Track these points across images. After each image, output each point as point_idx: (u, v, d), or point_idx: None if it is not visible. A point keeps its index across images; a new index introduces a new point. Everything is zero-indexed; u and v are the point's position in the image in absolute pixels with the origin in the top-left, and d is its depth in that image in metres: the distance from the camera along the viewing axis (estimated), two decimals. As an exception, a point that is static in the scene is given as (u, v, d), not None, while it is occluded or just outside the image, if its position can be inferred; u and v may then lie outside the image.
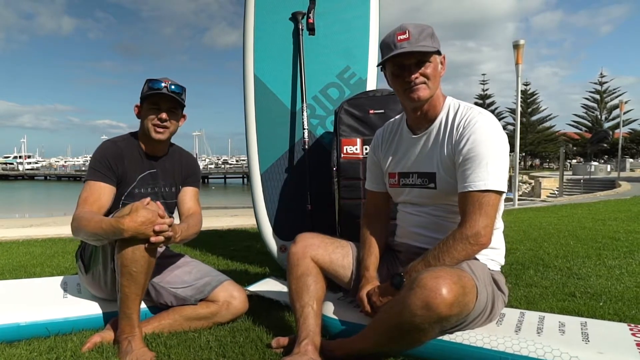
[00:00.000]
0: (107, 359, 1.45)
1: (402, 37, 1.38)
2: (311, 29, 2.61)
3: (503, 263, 1.56)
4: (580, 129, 44.91)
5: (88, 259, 1.71)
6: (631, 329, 1.41)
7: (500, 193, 1.37)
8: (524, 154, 43.92)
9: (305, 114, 2.51)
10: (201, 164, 52.43)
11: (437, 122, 1.49)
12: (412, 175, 1.55)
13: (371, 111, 2.22)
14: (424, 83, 1.41)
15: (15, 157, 65.92)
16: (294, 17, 2.62)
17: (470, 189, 1.35)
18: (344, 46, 2.62)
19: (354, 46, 2.63)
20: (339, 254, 1.63)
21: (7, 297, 1.75)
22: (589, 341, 1.32)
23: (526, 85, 44.20)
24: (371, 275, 1.54)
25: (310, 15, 2.60)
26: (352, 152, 2.19)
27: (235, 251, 3.31)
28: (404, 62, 1.40)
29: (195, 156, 2.08)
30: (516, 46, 10.34)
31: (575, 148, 42.26)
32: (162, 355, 1.47)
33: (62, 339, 1.58)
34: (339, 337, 1.54)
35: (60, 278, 1.91)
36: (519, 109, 10.84)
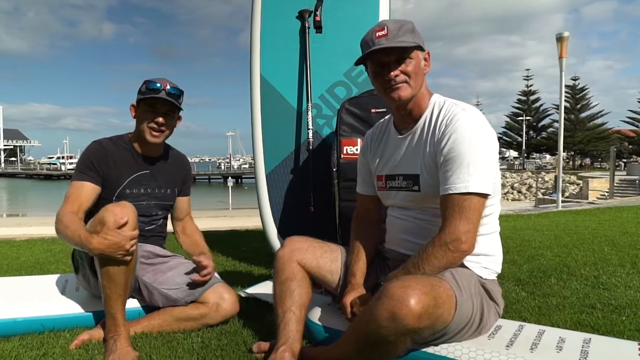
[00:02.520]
0: (92, 356, 1.48)
1: (380, 33, 1.32)
2: (318, 27, 2.56)
3: (499, 271, 1.46)
4: (637, 126, 41.97)
5: (77, 260, 1.75)
6: (641, 349, 1.26)
7: (484, 196, 1.27)
8: (572, 153, 41.70)
9: (310, 114, 2.47)
10: (235, 164, 52.91)
11: (421, 121, 1.41)
12: (397, 177, 1.47)
13: (373, 110, 2.14)
14: (405, 82, 1.34)
15: (58, 158, 68.93)
16: (301, 15, 2.58)
17: (451, 192, 1.26)
18: (352, 44, 2.55)
19: (362, 43, 2.55)
20: (327, 259, 1.58)
21: (8, 293, 1.82)
22: (586, 361, 1.19)
23: (574, 79, 41.77)
24: (357, 282, 1.48)
25: (318, 12, 2.56)
26: (352, 152, 2.12)
27: (245, 252, 3.32)
28: (383, 60, 1.34)
29: (186, 157, 2.06)
30: (560, 39, 9.80)
31: (630, 146, 39.62)
32: (145, 356, 1.48)
33: (55, 335, 1.62)
34: (323, 344, 1.50)
35: (62, 276, 1.97)
36: (563, 105, 10.30)
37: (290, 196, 2.55)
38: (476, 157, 1.27)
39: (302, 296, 1.49)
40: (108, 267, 1.47)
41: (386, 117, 1.62)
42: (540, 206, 12.01)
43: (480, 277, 1.38)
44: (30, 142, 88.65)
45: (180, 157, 2.00)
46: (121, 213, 1.47)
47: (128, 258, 1.47)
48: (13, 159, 77.38)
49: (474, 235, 1.26)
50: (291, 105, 2.59)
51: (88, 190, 1.69)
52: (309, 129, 2.46)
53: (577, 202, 13.56)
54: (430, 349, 1.31)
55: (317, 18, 2.55)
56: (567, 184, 24.00)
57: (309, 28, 2.56)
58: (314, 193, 2.43)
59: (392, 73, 1.34)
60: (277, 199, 2.56)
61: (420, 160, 1.39)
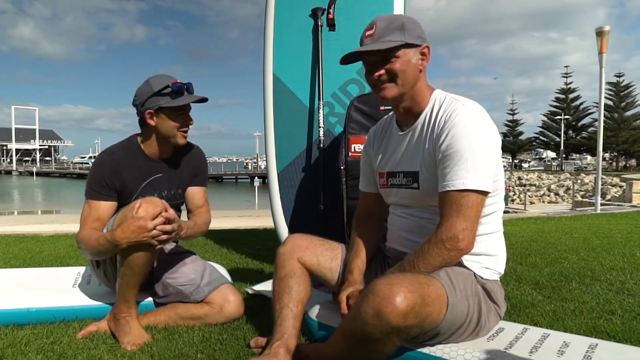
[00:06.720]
0: (97, 346, 1.53)
1: (368, 32, 1.33)
2: (331, 25, 2.55)
3: (502, 271, 1.41)
4: (688, 125, 39.41)
5: None
6: (652, 357, 1.19)
7: (482, 193, 1.23)
8: (616, 153, 39.69)
9: (321, 112, 2.46)
10: (262, 164, 53.32)
11: (421, 118, 1.38)
12: (398, 174, 1.45)
13: (382, 108, 2.12)
14: (391, 81, 1.32)
15: (90, 158, 71.32)
16: (314, 14, 2.59)
17: (448, 189, 1.23)
18: (364, 41, 2.53)
19: (375, 41, 2.53)
20: (327, 257, 1.58)
21: (24, 284, 1.92)
22: (588, 367, 1.13)
23: (619, 76, 39.74)
24: (354, 279, 1.46)
25: (331, 10, 2.55)
26: (360, 150, 2.10)
27: (260, 250, 3.34)
28: (369, 60, 1.33)
29: (203, 152, 1.96)
30: (599, 33, 9.31)
31: (680, 147, 37.25)
32: (146, 346, 1.52)
33: (65, 325, 1.69)
34: (321, 341, 1.49)
35: (76, 268, 2.06)
36: (603, 103, 9.78)
37: (302, 195, 2.55)
38: (475, 153, 1.23)
39: (300, 293, 1.49)
40: (131, 259, 1.50)
41: (390, 114, 1.60)
42: (577, 209, 11.48)
43: (481, 277, 1.33)
44: (64, 142, 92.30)
45: (195, 153, 1.91)
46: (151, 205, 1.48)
47: (155, 242, 1.47)
48: (48, 158, 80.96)
49: (471, 234, 1.22)
50: (303, 103, 2.60)
51: (105, 208, 1.68)
52: (320, 128, 2.46)
53: (619, 205, 12.85)
54: (426, 349, 1.28)
55: (330, 16, 2.55)
56: (609, 186, 22.81)
57: (321, 26, 2.56)
58: (325, 192, 2.42)
59: (376, 74, 1.33)
60: (288, 197, 2.57)
61: (419, 158, 1.36)
